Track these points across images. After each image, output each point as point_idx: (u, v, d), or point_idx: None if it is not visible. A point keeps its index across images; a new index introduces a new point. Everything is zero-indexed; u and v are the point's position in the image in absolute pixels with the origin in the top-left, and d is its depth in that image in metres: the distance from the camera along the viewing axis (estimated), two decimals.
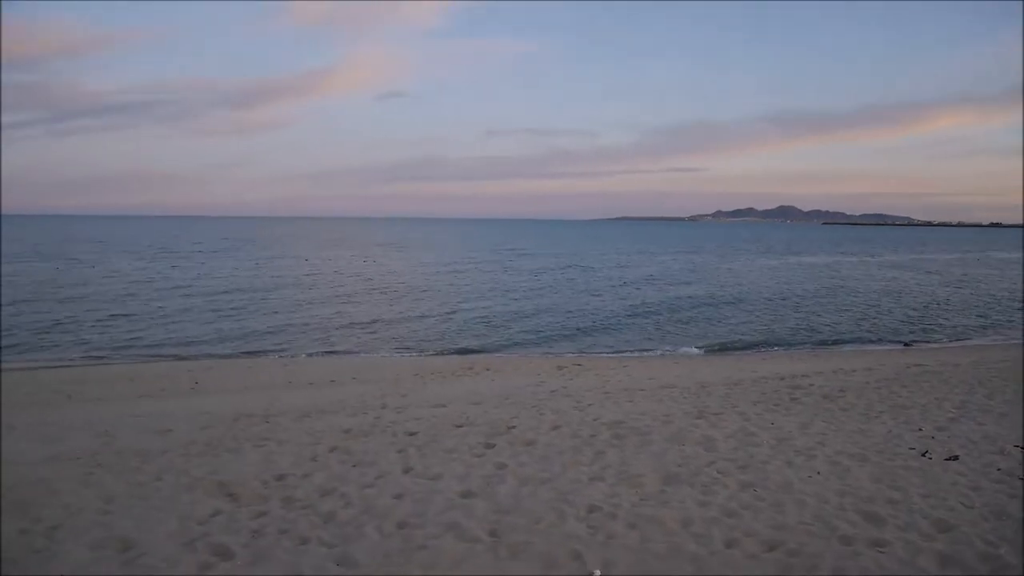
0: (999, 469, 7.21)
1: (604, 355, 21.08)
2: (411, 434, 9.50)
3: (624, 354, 21.36)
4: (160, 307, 30.70)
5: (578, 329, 25.83)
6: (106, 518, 6.62)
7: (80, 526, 6.40)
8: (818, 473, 7.19)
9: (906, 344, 23.03)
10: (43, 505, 6.96)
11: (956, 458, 7.65)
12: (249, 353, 21.66)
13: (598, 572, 5.04)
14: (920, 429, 9.02)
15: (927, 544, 5.41)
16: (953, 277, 49.85)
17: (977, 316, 29.65)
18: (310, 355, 21.46)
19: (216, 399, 13.67)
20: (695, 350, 21.97)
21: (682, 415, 10.06)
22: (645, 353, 21.60)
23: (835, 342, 23.61)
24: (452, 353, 21.67)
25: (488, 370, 16.97)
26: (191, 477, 7.85)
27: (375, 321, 27.65)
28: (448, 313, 29.72)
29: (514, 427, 9.62)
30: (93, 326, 25.56)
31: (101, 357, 21.07)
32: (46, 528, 6.34)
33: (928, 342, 23.69)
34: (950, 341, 23.87)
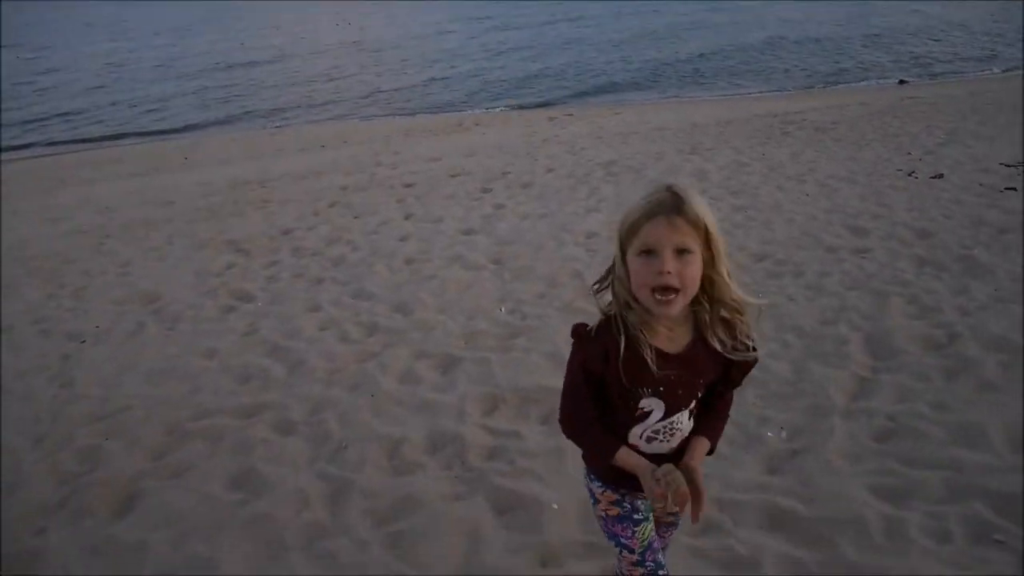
0: (981, 184, 7.41)
1: (596, 105, 20.70)
2: (408, 186, 9.66)
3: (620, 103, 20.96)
4: (144, 92, 29.56)
5: (593, 87, 24.78)
6: (126, 279, 6.93)
7: (103, 287, 6.73)
8: (807, 195, 7.43)
9: (901, 81, 22.51)
10: (64, 273, 7.25)
11: (941, 176, 7.84)
12: (238, 128, 21.29)
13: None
14: (909, 154, 9.15)
15: (907, 250, 5.73)
16: None
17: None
18: (299, 124, 21.11)
19: (210, 171, 13.68)
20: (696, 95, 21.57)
21: (675, 152, 10.17)
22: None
23: (836, 82, 23.07)
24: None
25: (478, 125, 16.82)
26: (200, 239, 8.10)
27: (364, 87, 26.82)
28: (441, 77, 28.60)
29: (509, 173, 9.76)
30: (76, 115, 24.82)
31: (88, 141, 20.77)
32: (72, 291, 6.67)
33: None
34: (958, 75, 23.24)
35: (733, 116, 14.12)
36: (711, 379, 1.79)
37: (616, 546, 1.97)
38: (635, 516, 1.93)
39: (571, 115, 17.52)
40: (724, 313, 1.70)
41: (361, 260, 6.68)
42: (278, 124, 21.79)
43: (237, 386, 4.52)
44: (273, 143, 17.36)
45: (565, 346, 4.52)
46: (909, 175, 7.98)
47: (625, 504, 1.93)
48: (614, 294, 1.72)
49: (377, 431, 3.81)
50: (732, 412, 3.67)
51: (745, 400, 3.80)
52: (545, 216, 7.46)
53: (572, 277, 5.67)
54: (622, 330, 1.67)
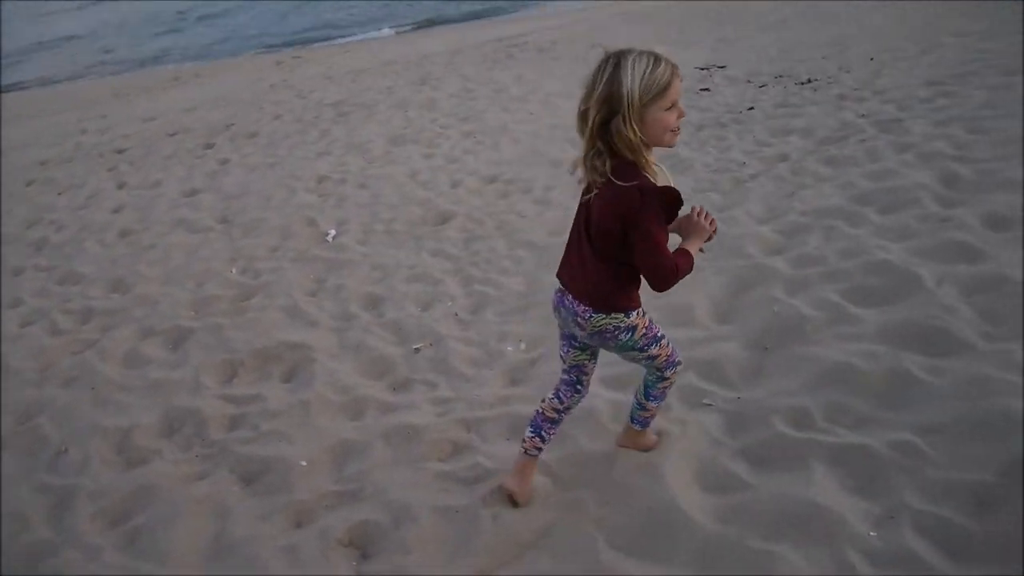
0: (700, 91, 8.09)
1: (325, 45, 19.92)
2: (120, 151, 8.72)
3: (348, 39, 20.30)
4: None
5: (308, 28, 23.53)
6: None
7: None
8: (531, 114, 7.70)
9: None
10: None
11: None
12: None
13: (333, 232, 5.23)
14: None
15: None
16: None
17: None
18: None
19: None
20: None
21: (405, 85, 10.06)
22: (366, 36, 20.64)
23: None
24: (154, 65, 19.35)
25: (198, 76, 15.55)
26: None
27: (71, 48, 23.63)
28: (165, 33, 25.77)
29: (233, 124, 9.13)
30: None
31: None
32: None
33: None
34: None
35: (462, 45, 14.21)
36: None
37: (656, 345, 2.40)
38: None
39: (299, 57, 16.71)
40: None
41: (68, 240, 5.96)
42: None
43: None
44: None
45: (303, 297, 4.39)
46: None
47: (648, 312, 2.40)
48: (616, 154, 2.05)
49: (102, 424, 3.44)
50: (473, 334, 3.81)
51: (485, 319, 3.90)
52: (274, 165, 7.08)
53: (306, 225, 5.45)
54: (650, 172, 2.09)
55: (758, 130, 6.17)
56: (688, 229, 2.29)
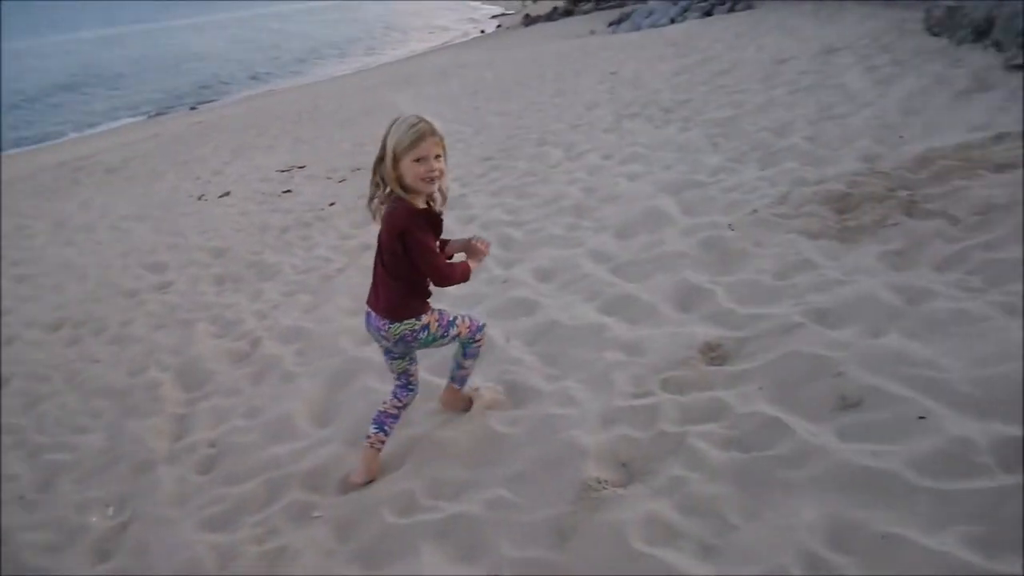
0: (263, 193, 8.09)
1: None
2: None
3: None
4: None
5: None
6: None
7: None
8: (100, 244, 7.04)
9: (192, 107, 23.38)
10: None
11: (228, 194, 8.30)
12: None
13: None
14: (199, 178, 9.46)
15: (205, 271, 5.88)
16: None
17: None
18: None
19: None
20: None
21: None
22: None
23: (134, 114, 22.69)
24: None
25: None
26: None
27: None
28: None
29: None
30: None
31: None
32: None
33: (213, 100, 24.51)
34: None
35: (15, 176, 12.61)
36: None
37: (453, 328, 2.90)
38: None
39: None
40: (443, 188, 2.70)
41: None
42: None
43: None
44: None
45: None
46: (199, 199, 8.23)
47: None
48: (383, 184, 2.64)
49: None
50: (44, 515, 3.29)
51: (59, 493, 3.38)
52: None
53: None
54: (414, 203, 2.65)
55: (341, 224, 6.37)
56: (468, 250, 2.89)
